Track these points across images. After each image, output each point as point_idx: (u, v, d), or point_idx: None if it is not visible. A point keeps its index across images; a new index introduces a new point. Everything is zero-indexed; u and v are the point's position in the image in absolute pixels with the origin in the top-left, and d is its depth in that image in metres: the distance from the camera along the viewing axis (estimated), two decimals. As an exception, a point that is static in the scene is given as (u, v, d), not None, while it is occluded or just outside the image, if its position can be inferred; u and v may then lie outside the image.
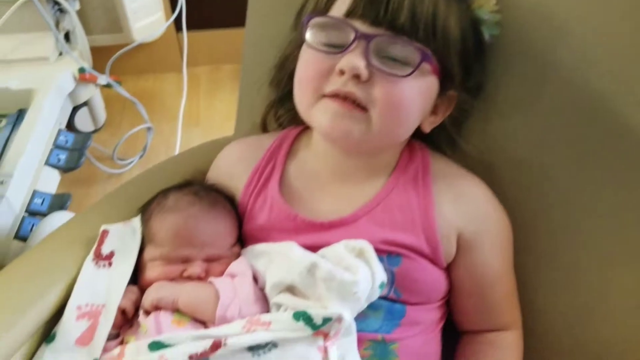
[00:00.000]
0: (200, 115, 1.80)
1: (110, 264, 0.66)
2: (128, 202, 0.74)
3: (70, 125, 1.62)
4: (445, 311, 0.71)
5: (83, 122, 1.67)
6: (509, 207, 0.71)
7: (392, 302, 0.65)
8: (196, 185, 0.72)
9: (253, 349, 0.58)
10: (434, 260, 0.66)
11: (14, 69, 1.52)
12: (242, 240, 0.72)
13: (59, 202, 1.34)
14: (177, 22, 1.75)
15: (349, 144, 0.66)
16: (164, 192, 0.71)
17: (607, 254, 0.69)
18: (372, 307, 0.63)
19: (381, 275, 0.62)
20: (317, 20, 0.64)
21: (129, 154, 1.65)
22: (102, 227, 0.68)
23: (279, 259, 0.64)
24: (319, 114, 0.64)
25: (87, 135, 1.50)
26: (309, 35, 0.65)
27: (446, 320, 0.72)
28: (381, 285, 0.62)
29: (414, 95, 0.63)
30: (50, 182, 1.41)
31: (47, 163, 1.40)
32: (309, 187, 0.71)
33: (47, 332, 0.62)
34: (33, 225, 1.28)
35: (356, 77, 0.61)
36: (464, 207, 0.68)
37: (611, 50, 0.65)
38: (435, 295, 0.68)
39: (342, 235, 0.65)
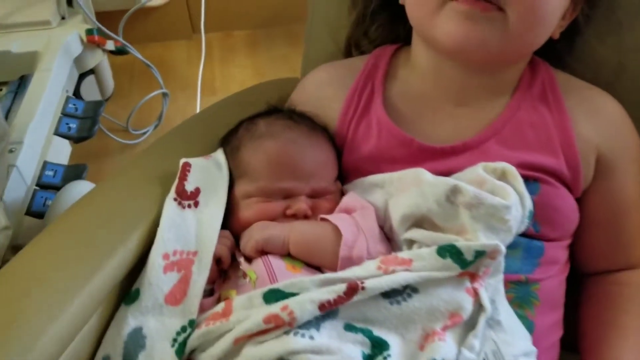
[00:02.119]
0: (215, 83, 1.69)
1: (196, 204, 0.53)
2: (194, 139, 0.61)
3: (76, 96, 1.49)
4: (569, 255, 0.61)
5: (90, 91, 1.53)
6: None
7: (530, 239, 0.55)
8: (287, 111, 0.60)
9: (390, 295, 0.47)
10: (572, 187, 0.58)
11: (14, 34, 1.38)
12: (342, 175, 0.60)
13: (74, 174, 1.21)
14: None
15: (483, 54, 0.55)
16: (250, 120, 0.59)
17: None
18: (509, 245, 0.53)
19: (529, 202, 0.52)
20: None
21: (142, 124, 1.53)
22: (183, 160, 0.55)
23: (405, 187, 0.52)
24: (445, 21, 0.53)
25: (99, 102, 1.37)
26: None
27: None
28: (530, 215, 0.52)
29: None
30: (62, 153, 1.29)
31: (57, 132, 1.27)
32: (417, 110, 0.60)
33: (126, 290, 0.50)
34: (46, 200, 1.15)
35: None
36: (602, 124, 0.59)
37: None
38: (570, 229, 0.59)
39: (468, 161, 0.55)
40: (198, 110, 1.52)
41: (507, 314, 0.50)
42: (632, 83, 0.62)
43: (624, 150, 0.60)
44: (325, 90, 0.63)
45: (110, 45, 1.46)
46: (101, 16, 1.55)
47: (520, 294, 0.54)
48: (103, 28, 1.38)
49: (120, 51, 1.50)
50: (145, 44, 1.79)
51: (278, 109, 0.61)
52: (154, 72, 1.46)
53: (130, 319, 0.47)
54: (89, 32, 1.39)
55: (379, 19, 0.65)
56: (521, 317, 0.53)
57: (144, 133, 1.50)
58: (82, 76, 1.47)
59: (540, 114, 0.58)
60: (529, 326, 0.53)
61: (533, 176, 0.55)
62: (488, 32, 0.52)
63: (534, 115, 0.58)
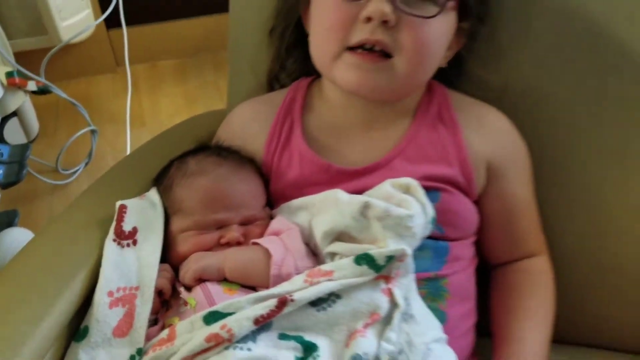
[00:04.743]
0: (144, 114, 1.69)
1: (135, 242, 0.58)
2: (129, 180, 0.66)
3: (0, 140, 1.46)
4: (476, 250, 0.70)
5: (13, 134, 1.49)
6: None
7: (435, 240, 0.63)
8: (215, 148, 0.66)
9: (316, 303, 0.53)
10: (468, 192, 0.66)
11: None
12: (271, 201, 0.66)
13: (5, 220, 1.20)
14: (108, 20, 1.63)
15: (377, 96, 0.64)
16: (180, 159, 0.64)
17: (617, 170, 0.69)
18: (418, 247, 0.60)
19: (431, 209, 0.60)
20: None
21: (72, 163, 1.52)
22: (119, 203, 0.60)
23: (325, 207, 0.59)
24: (342, 70, 0.61)
25: (25, 146, 1.34)
26: None
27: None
28: (432, 220, 0.60)
29: (440, 35, 0.62)
30: (-11, 201, 1.26)
31: (-17, 179, 1.25)
32: (333, 138, 0.68)
33: (75, 329, 0.54)
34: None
35: (384, 23, 0.58)
36: (490, 136, 0.67)
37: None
38: (471, 228, 0.67)
39: (379, 179, 0.62)
40: (128, 144, 1.52)
41: (419, 307, 0.57)
42: (515, 99, 0.71)
43: (511, 155, 0.68)
44: (249, 126, 0.70)
45: (32, 85, 1.42)
46: (20, 56, 1.50)
47: (431, 289, 0.61)
48: (23, 70, 1.35)
49: (42, 91, 1.46)
50: (69, 80, 1.78)
51: (207, 146, 0.67)
52: (79, 109, 1.46)
53: (82, 355, 0.52)
54: (9, 74, 1.36)
55: (295, 54, 0.72)
56: (434, 310, 0.60)
57: (75, 172, 1.49)
58: (4, 120, 1.43)
59: (437, 131, 0.66)
60: (442, 316, 0.60)
61: (433, 186, 0.63)
62: (379, 79, 0.60)
63: (432, 133, 0.66)
